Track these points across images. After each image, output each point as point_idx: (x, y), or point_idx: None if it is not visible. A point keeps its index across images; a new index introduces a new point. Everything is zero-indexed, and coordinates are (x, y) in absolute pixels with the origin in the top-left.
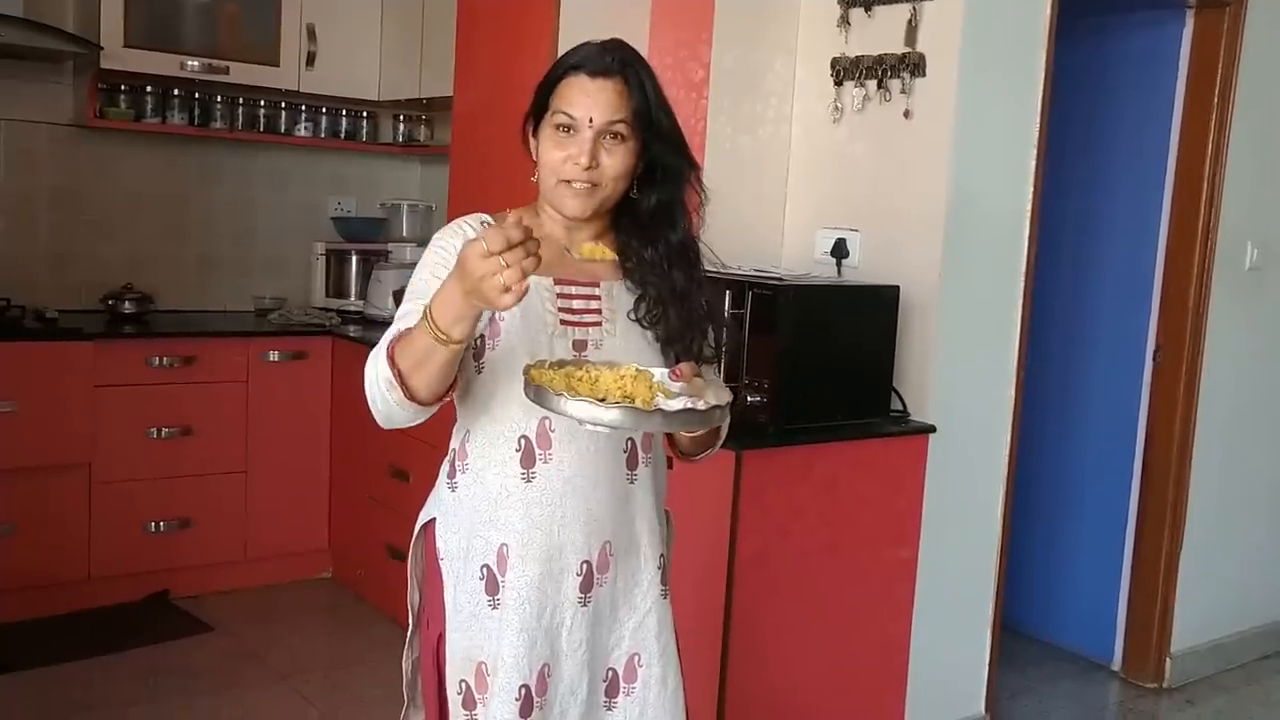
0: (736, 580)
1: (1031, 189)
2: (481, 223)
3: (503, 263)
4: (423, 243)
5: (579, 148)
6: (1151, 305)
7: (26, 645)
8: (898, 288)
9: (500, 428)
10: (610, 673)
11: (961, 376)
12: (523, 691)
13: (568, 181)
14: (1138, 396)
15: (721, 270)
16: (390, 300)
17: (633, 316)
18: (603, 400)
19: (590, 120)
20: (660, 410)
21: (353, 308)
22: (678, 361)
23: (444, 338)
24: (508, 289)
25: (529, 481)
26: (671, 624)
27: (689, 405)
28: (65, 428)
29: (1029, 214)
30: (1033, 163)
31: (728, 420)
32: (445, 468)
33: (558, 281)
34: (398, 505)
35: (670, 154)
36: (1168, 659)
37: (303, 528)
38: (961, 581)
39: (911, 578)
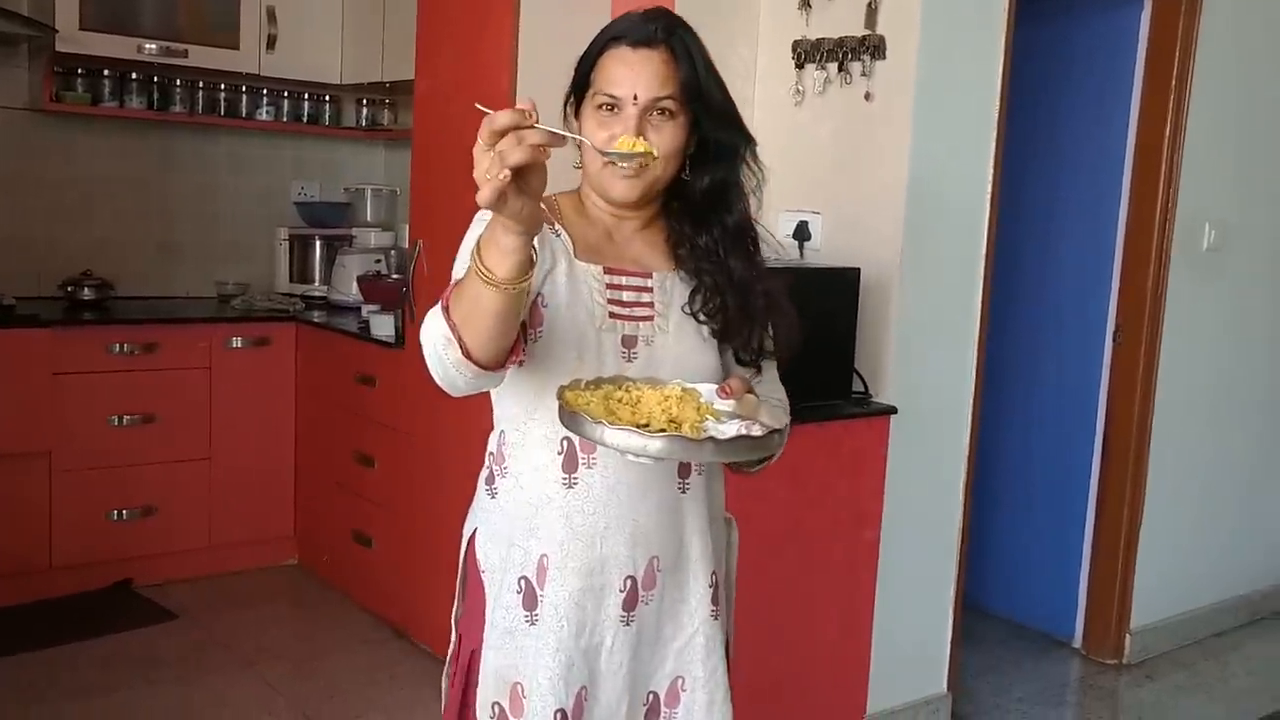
0: None
1: (991, 171)
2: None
3: (492, 152)
4: (388, 227)
5: (624, 126)
6: (1112, 286)
7: None
8: (858, 270)
9: (541, 428)
10: (651, 696)
11: (923, 358)
12: (558, 716)
13: (614, 163)
14: (1098, 376)
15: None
16: (354, 285)
17: (688, 310)
18: (645, 426)
19: (635, 97)
20: (711, 439)
21: (317, 293)
22: (736, 358)
23: (489, 276)
24: (487, 179)
25: (570, 488)
26: (722, 647)
27: (743, 431)
28: (24, 416)
29: (989, 195)
30: (993, 145)
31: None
32: (484, 474)
33: (607, 270)
34: (364, 491)
35: (724, 129)
36: (1127, 635)
37: (268, 514)
38: (924, 561)
39: (874, 558)
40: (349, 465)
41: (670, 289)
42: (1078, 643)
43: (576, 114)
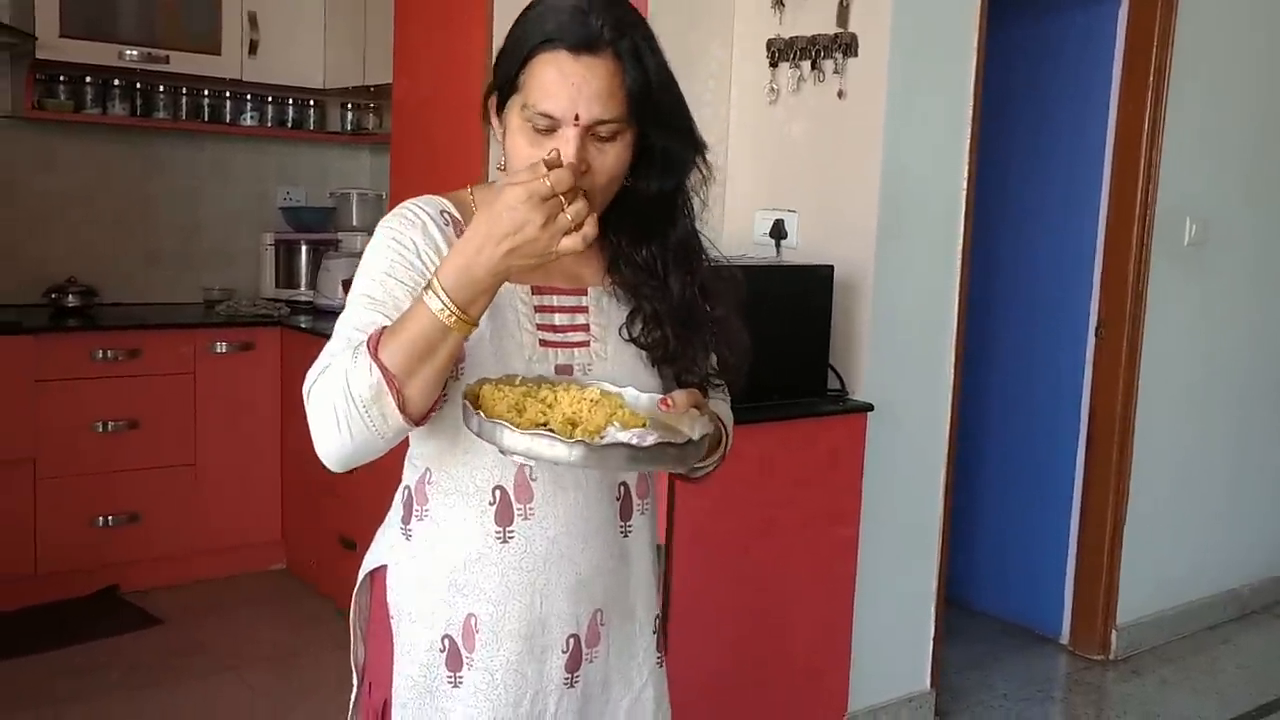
0: (674, 561)
1: (967, 167)
2: (441, 210)
3: (564, 201)
4: (373, 231)
5: (563, 151)
6: (1093, 281)
7: None
8: (832, 267)
9: (470, 475)
10: None
11: (899, 355)
12: None
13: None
14: (1081, 371)
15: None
16: (340, 289)
17: (626, 335)
18: (543, 426)
19: (576, 117)
20: (582, 443)
21: (303, 298)
22: (679, 382)
23: (464, 317)
24: (578, 226)
25: (505, 542)
26: (666, 694)
27: (630, 440)
28: (7, 423)
29: (964, 192)
30: (967, 141)
31: (729, 439)
32: (398, 506)
33: (536, 290)
34: (351, 496)
35: (674, 138)
36: (1114, 631)
37: (254, 520)
38: (904, 558)
39: (853, 556)
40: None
41: (607, 308)
42: (1064, 639)
43: (499, 111)
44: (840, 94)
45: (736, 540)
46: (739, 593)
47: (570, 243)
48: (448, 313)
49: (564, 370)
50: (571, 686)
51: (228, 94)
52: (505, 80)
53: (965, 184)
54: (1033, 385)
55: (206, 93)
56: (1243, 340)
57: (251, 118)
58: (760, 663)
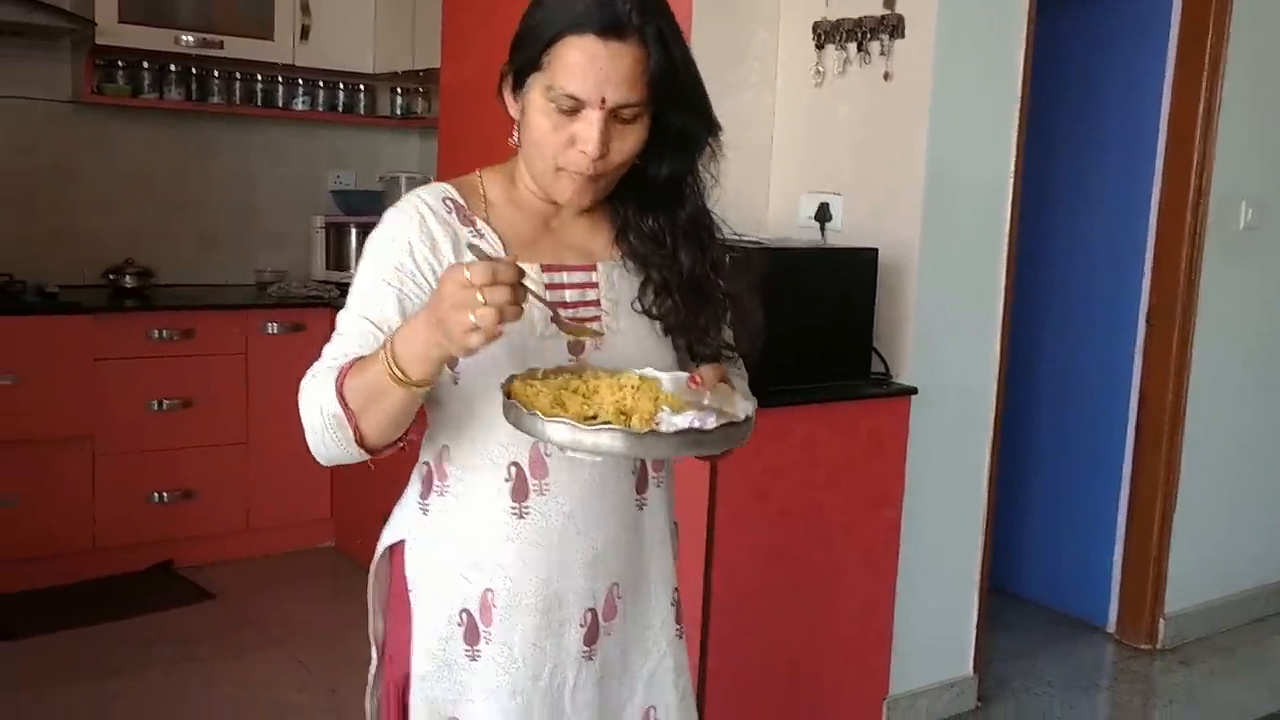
0: (716, 541)
1: (1014, 151)
2: (444, 198)
3: (480, 298)
4: None
5: (586, 132)
6: (1144, 267)
7: (30, 614)
8: (876, 250)
9: (485, 452)
10: None
11: (944, 339)
12: None
13: (564, 168)
14: (1131, 359)
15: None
16: None
17: (638, 307)
18: (592, 419)
19: (603, 100)
20: (653, 432)
21: (352, 280)
22: (690, 354)
23: (400, 376)
24: (476, 328)
25: (522, 518)
26: (687, 665)
27: (697, 425)
28: (66, 401)
29: (1012, 175)
30: (1015, 124)
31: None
32: (416, 482)
33: (545, 268)
34: (398, 476)
35: (691, 120)
36: (1161, 620)
37: (304, 498)
38: (948, 543)
39: (895, 539)
40: None
41: (617, 282)
42: (1111, 628)
43: (514, 92)
44: (886, 76)
45: (779, 522)
46: (781, 574)
47: (473, 340)
48: (389, 369)
49: (576, 347)
50: (590, 659)
51: (280, 79)
52: (527, 60)
53: (1012, 168)
54: (1082, 372)
55: (260, 77)
56: None
57: (303, 102)
58: (801, 644)
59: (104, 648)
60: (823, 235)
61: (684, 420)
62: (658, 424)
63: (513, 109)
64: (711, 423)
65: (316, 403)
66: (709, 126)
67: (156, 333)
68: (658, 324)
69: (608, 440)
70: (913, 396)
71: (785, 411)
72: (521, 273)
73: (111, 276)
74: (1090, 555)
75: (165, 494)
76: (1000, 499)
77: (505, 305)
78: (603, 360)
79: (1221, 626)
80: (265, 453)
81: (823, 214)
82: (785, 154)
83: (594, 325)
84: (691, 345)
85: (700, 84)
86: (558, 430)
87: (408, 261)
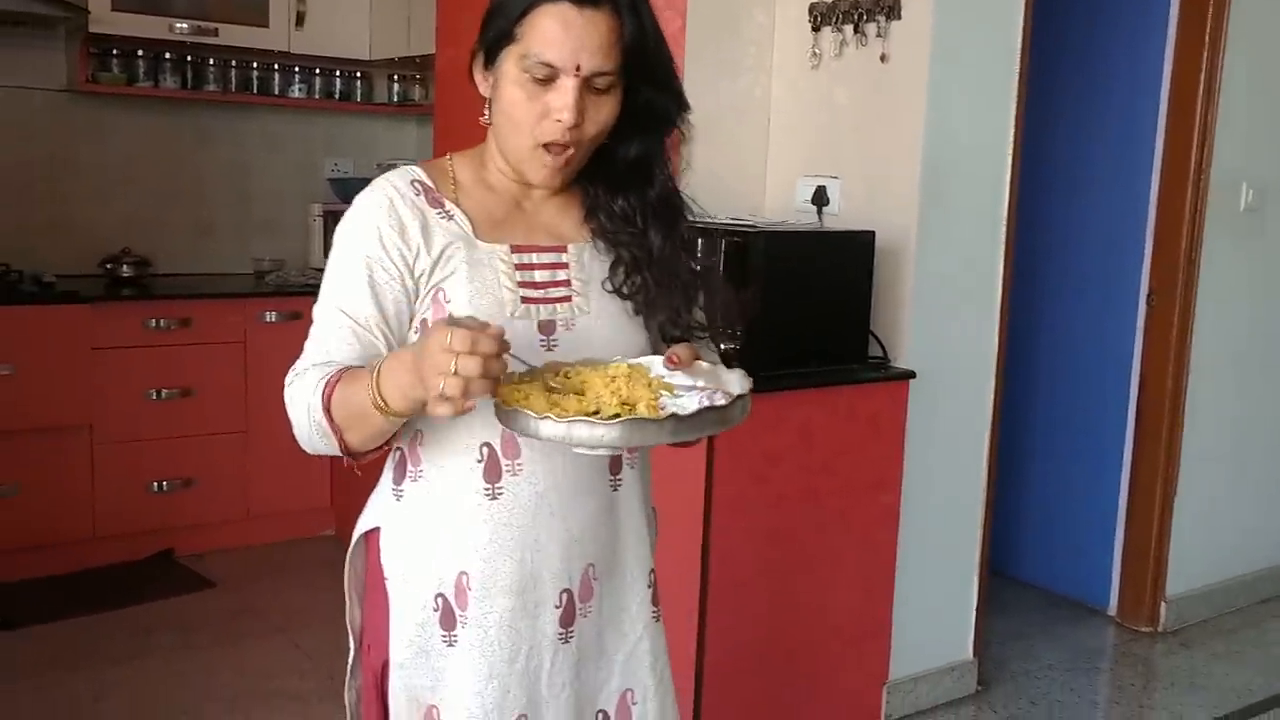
0: (713, 526)
1: (1013, 131)
2: (412, 181)
3: (453, 367)
4: None
5: (561, 100)
6: (1145, 247)
7: (30, 602)
8: (873, 233)
9: (457, 434)
10: (601, 715)
11: (942, 322)
12: None
13: (545, 145)
14: (1132, 341)
15: (695, 219)
16: None
17: (609, 287)
18: (596, 414)
19: (578, 67)
20: (674, 417)
21: None
22: (661, 334)
23: (383, 406)
24: (446, 399)
25: (495, 499)
26: (665, 649)
27: (708, 403)
28: (64, 390)
29: (1010, 156)
30: (1013, 104)
31: None
32: (390, 469)
33: (515, 249)
34: None
35: (660, 96)
36: (1163, 603)
37: (304, 486)
38: (947, 527)
39: (894, 523)
40: None
41: (588, 263)
42: (1112, 611)
43: (487, 65)
44: (883, 58)
45: (776, 507)
46: (778, 559)
47: (440, 409)
48: (374, 399)
49: (546, 327)
50: (566, 642)
51: (276, 66)
52: (500, 32)
53: (1011, 149)
54: (1082, 354)
55: (255, 65)
56: None
57: (299, 89)
58: (799, 629)
59: (104, 636)
60: (820, 219)
61: (693, 401)
62: (663, 409)
63: (484, 86)
64: (720, 399)
65: (303, 405)
66: (678, 103)
67: (154, 322)
68: (629, 305)
69: (624, 433)
70: (911, 380)
71: (782, 396)
72: (504, 344)
73: (108, 266)
74: (1091, 538)
75: (165, 483)
76: (1000, 482)
77: (473, 379)
78: (572, 341)
79: (1223, 609)
80: (264, 441)
81: (820, 197)
82: (782, 137)
83: (563, 308)
84: (663, 325)
85: (670, 60)
86: (570, 430)
87: (377, 249)
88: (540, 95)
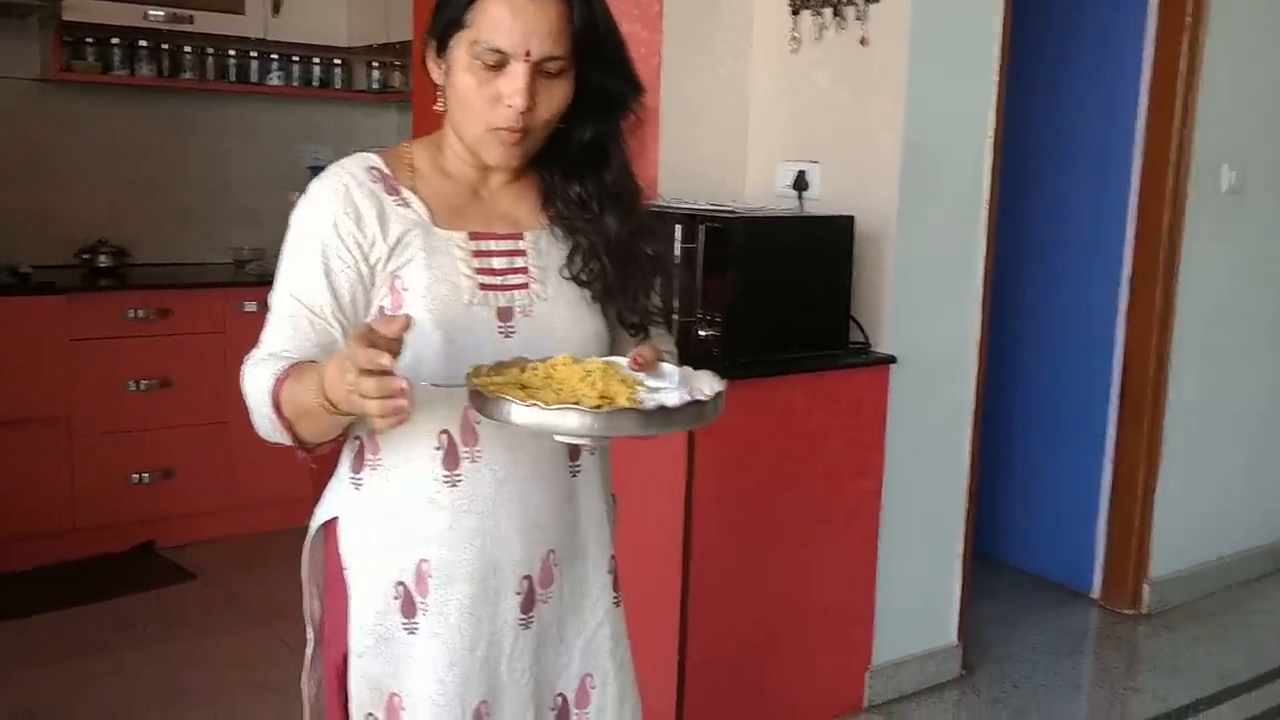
0: (695, 513)
1: (994, 113)
2: (369, 168)
3: (356, 389)
4: None
5: (512, 86)
6: (1126, 230)
7: (9, 596)
8: (852, 218)
9: (416, 423)
10: (560, 699)
11: (923, 307)
12: None
13: (497, 129)
14: (1114, 323)
15: (674, 205)
16: None
17: (567, 274)
18: (576, 404)
19: (528, 52)
20: (663, 408)
21: None
22: (620, 320)
23: (330, 408)
24: (380, 417)
25: (454, 486)
26: (626, 634)
27: (692, 398)
28: (42, 381)
29: (991, 139)
30: (994, 86)
31: None
32: (348, 457)
33: (473, 235)
34: None
35: (614, 80)
36: (1145, 585)
37: (286, 476)
38: (930, 512)
39: (876, 508)
40: None
41: (546, 250)
42: (1095, 593)
43: (439, 53)
44: (863, 41)
45: (758, 493)
46: (761, 545)
47: (381, 424)
48: (321, 401)
49: (504, 314)
50: (526, 628)
51: (253, 54)
52: (451, 20)
53: (992, 132)
54: (1064, 337)
55: (232, 53)
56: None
57: (277, 77)
58: (782, 615)
59: (85, 629)
60: (800, 204)
61: (674, 396)
62: (642, 403)
63: (437, 74)
64: (699, 395)
65: (257, 395)
66: (632, 87)
67: (132, 312)
68: (587, 291)
69: (618, 422)
70: (892, 365)
71: (763, 382)
72: (406, 324)
73: (85, 256)
74: (1074, 521)
75: (145, 474)
76: (983, 465)
77: (370, 400)
78: (530, 328)
79: (1205, 591)
80: (245, 431)
81: (800, 182)
82: (762, 122)
83: (521, 295)
84: (621, 311)
85: (622, 44)
86: (568, 418)
87: (332, 237)
88: (491, 81)
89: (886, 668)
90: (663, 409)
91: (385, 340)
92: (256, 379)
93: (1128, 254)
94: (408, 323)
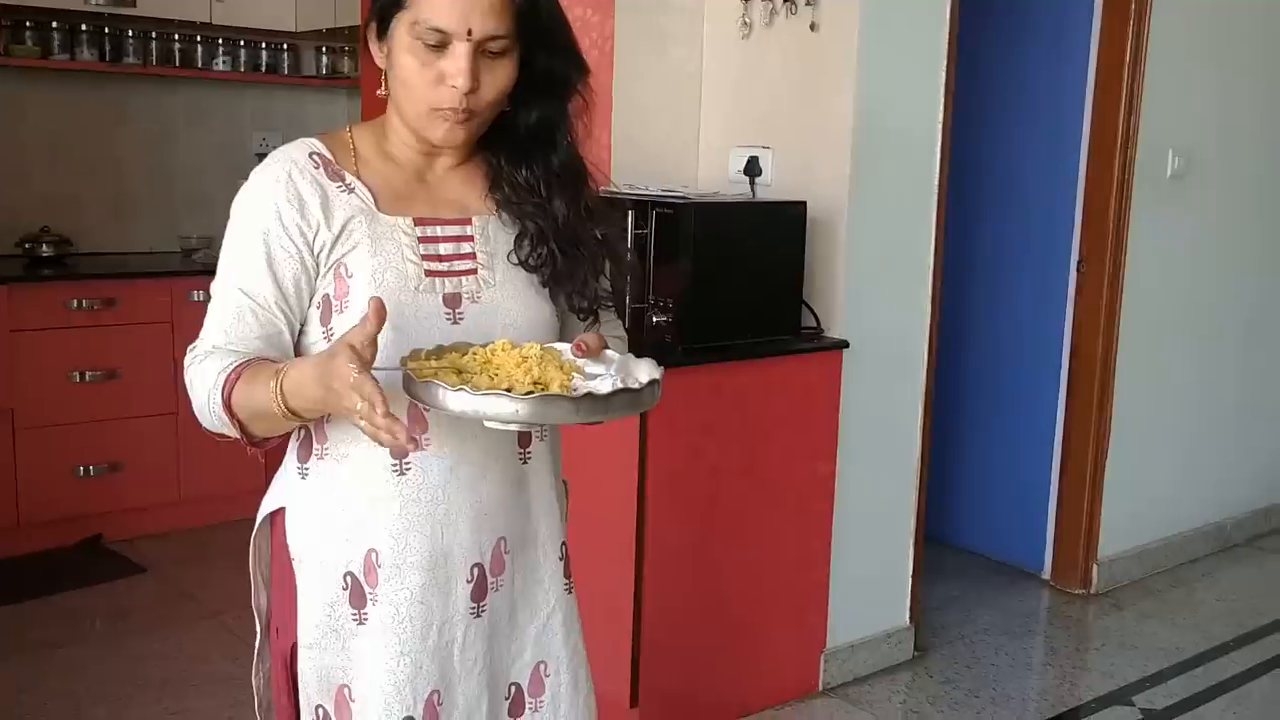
0: (649, 501)
1: (943, 99)
2: (311, 154)
3: (360, 409)
4: None
5: (455, 66)
6: (1074, 216)
7: None
8: (804, 204)
9: None
10: (514, 688)
11: (874, 292)
12: None
13: (440, 109)
14: (1063, 307)
15: (625, 191)
16: None
17: (515, 259)
18: (509, 390)
19: (469, 32)
20: (590, 395)
21: None
22: (569, 305)
23: (287, 414)
24: (392, 442)
25: (402, 474)
26: (578, 620)
27: (623, 385)
28: None
29: (940, 125)
30: (943, 72)
31: None
32: (295, 447)
33: (418, 221)
34: None
35: (558, 61)
36: (1095, 565)
37: (236, 468)
38: (882, 495)
39: (829, 493)
40: None
41: (493, 235)
42: (1046, 574)
43: (380, 35)
44: (813, 26)
45: (712, 479)
46: (715, 531)
47: (384, 439)
48: (278, 407)
49: (452, 300)
50: (478, 616)
51: (199, 38)
52: (390, 1)
53: (941, 117)
54: (1014, 320)
55: (178, 37)
56: (1225, 274)
57: (224, 62)
58: (737, 600)
59: (32, 625)
60: (753, 189)
61: (606, 384)
62: (575, 390)
63: (379, 57)
64: (633, 383)
65: (204, 393)
66: (578, 68)
67: (76, 303)
68: (535, 277)
69: (544, 409)
70: (844, 350)
71: (716, 368)
72: (381, 313)
73: (27, 246)
74: (1025, 503)
75: (91, 468)
76: (934, 449)
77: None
78: (478, 314)
79: (1153, 569)
80: (194, 423)
81: (752, 168)
82: (714, 108)
83: (468, 280)
84: (570, 296)
85: (567, 24)
86: (484, 403)
87: (275, 226)
88: (434, 62)
89: (841, 650)
90: (591, 396)
91: (371, 350)
92: (204, 375)
93: (1076, 239)
94: (381, 320)
